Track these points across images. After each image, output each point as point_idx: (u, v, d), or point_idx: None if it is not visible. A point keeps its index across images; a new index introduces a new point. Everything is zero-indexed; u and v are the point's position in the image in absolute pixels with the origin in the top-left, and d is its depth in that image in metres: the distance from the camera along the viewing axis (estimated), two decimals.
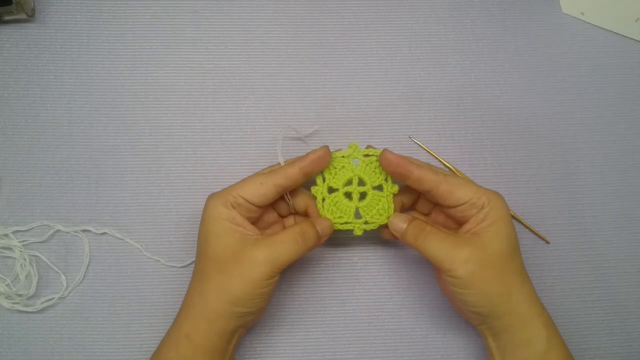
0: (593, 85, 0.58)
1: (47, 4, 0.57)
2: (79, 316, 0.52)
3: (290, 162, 0.48)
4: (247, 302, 0.45)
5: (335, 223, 0.49)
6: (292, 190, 0.49)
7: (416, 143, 0.56)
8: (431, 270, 0.54)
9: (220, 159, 0.55)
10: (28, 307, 0.52)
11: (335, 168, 0.50)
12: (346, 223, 0.50)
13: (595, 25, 0.59)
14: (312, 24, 0.58)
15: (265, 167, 0.50)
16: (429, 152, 0.56)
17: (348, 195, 0.50)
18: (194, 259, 0.53)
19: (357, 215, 0.50)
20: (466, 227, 0.47)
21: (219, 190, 0.48)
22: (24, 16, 0.55)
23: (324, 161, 0.48)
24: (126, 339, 0.52)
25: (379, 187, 0.50)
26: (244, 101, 0.56)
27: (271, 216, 0.50)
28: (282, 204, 0.50)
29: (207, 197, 0.47)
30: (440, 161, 0.55)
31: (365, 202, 0.50)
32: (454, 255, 0.45)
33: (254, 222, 0.48)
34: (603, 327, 0.54)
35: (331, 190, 0.50)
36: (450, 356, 0.53)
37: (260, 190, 0.46)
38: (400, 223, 0.48)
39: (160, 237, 0.54)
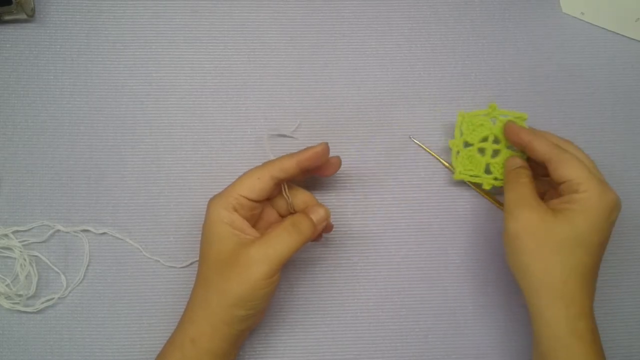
0: (593, 85, 0.58)
1: (47, 4, 0.57)
2: (79, 316, 0.52)
3: (289, 155, 0.48)
4: (247, 303, 0.45)
5: (466, 174, 0.53)
6: (292, 189, 0.49)
7: (416, 143, 0.56)
8: (431, 271, 0.54)
9: (220, 159, 0.55)
10: (28, 307, 0.52)
11: (474, 124, 0.52)
12: (476, 176, 0.53)
13: (595, 25, 0.59)
14: (312, 24, 0.58)
15: None
16: (429, 153, 0.56)
17: (481, 151, 0.53)
18: (193, 260, 0.53)
19: (488, 171, 0.53)
20: (554, 201, 0.47)
21: (218, 190, 0.47)
22: (24, 16, 0.55)
23: (321, 158, 0.48)
24: (126, 339, 0.52)
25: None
26: (244, 101, 0.56)
27: (272, 215, 0.50)
28: (282, 203, 0.50)
29: (207, 197, 0.47)
30: (441, 162, 0.55)
31: (497, 159, 0.53)
32: (515, 211, 0.47)
33: (256, 220, 0.48)
34: (604, 327, 0.54)
35: (467, 145, 0.53)
36: (450, 356, 0.53)
37: (259, 185, 0.46)
38: (514, 161, 0.51)
39: (160, 237, 0.54)
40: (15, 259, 0.52)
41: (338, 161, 0.51)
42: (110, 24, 0.57)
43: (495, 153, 0.53)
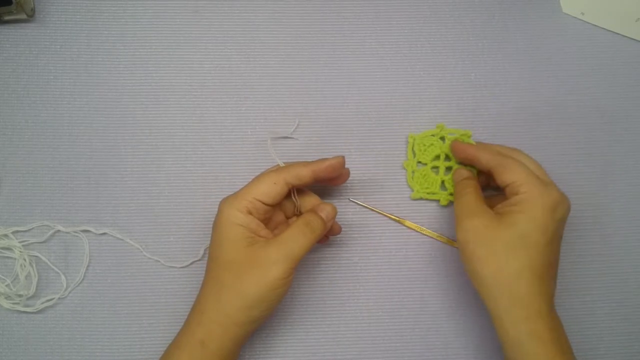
0: (593, 85, 0.58)
1: (47, 4, 0.57)
2: (79, 316, 0.52)
3: (303, 163, 0.48)
4: (263, 304, 0.45)
5: (423, 192, 0.55)
6: (300, 191, 0.50)
7: (357, 203, 0.55)
8: (431, 271, 0.54)
9: (220, 159, 0.55)
10: (28, 307, 0.52)
11: (425, 145, 0.55)
12: (433, 193, 0.55)
13: (595, 25, 0.59)
14: (312, 24, 0.58)
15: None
16: (370, 209, 0.55)
17: (435, 169, 0.55)
18: (194, 260, 0.53)
19: (443, 187, 0.55)
20: (499, 206, 0.48)
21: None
22: (24, 16, 0.55)
23: (337, 170, 0.49)
24: (126, 339, 0.52)
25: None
26: (244, 101, 0.56)
27: (279, 216, 0.50)
28: (289, 205, 0.50)
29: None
30: (380, 213, 0.55)
31: (450, 175, 0.54)
32: (462, 221, 0.47)
33: (266, 223, 0.48)
34: (604, 327, 0.54)
35: (420, 164, 0.55)
36: (450, 356, 0.53)
37: (275, 190, 0.47)
38: (460, 173, 0.52)
39: (160, 237, 0.54)
40: (15, 259, 0.52)
41: (348, 173, 0.51)
42: (110, 24, 0.57)
43: (449, 170, 0.55)
